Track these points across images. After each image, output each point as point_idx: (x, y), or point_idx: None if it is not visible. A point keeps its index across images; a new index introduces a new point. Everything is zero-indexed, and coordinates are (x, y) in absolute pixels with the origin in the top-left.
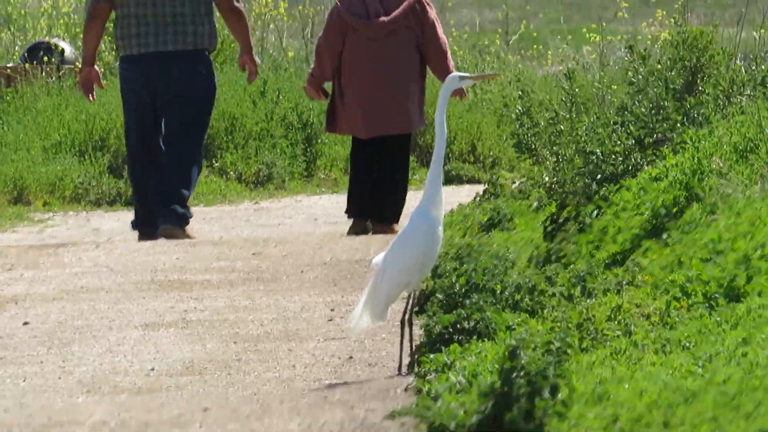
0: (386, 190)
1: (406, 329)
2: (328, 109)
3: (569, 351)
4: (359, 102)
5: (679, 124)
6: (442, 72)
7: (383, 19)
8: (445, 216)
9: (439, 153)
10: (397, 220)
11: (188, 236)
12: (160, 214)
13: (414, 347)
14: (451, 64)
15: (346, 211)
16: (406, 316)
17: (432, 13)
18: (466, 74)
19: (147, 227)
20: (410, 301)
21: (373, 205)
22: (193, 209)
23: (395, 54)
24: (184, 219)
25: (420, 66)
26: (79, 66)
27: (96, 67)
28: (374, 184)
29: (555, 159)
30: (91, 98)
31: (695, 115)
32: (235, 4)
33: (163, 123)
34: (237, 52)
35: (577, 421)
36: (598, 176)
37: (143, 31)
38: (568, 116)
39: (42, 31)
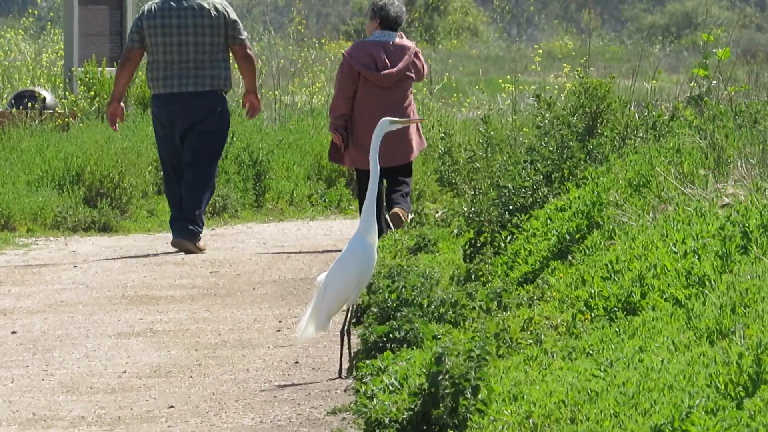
0: (396, 197)
1: (345, 338)
2: (332, 144)
3: (488, 357)
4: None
5: (582, 162)
6: None
7: (391, 70)
8: (378, 241)
9: (372, 186)
10: (409, 210)
11: (199, 249)
12: (173, 229)
13: (352, 354)
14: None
15: None
16: (345, 327)
17: (422, 59)
18: (396, 119)
19: (177, 226)
20: (349, 314)
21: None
22: (158, 235)
23: (399, 98)
24: (195, 234)
25: (414, 110)
26: (59, 111)
27: (122, 104)
28: (382, 203)
29: (473, 192)
30: (115, 128)
31: (596, 154)
32: (248, 51)
33: (187, 151)
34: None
35: (496, 417)
36: (510, 207)
37: (169, 74)
38: (484, 155)
39: (26, 81)
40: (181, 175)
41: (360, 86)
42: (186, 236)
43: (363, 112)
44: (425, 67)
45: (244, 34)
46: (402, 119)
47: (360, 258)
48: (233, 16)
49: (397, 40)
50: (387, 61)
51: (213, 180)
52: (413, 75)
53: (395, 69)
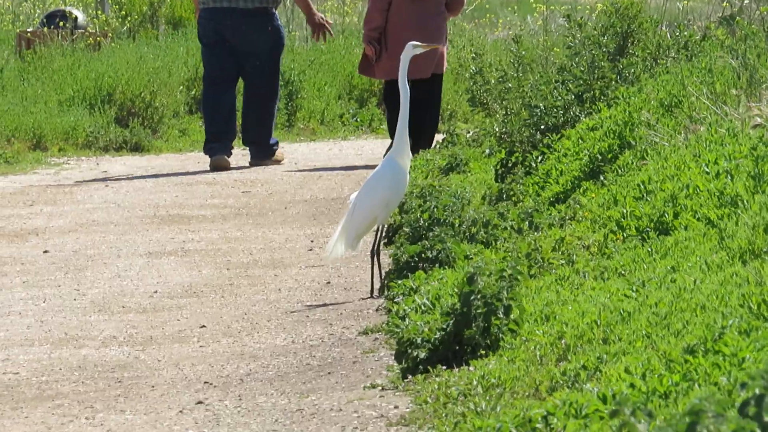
0: (421, 125)
1: (376, 258)
2: (364, 57)
3: (520, 277)
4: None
5: (613, 82)
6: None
7: None
8: (410, 161)
9: (404, 109)
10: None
11: (276, 161)
12: (250, 153)
13: (384, 274)
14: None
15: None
16: (376, 247)
17: None
18: (419, 44)
19: (214, 144)
20: (379, 234)
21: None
22: (189, 155)
23: (432, 11)
24: (268, 153)
25: (446, 19)
26: (90, 30)
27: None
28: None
29: (504, 112)
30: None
31: (626, 74)
32: None
33: (242, 72)
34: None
35: (528, 337)
36: (542, 127)
37: None
38: (515, 75)
39: (58, 0)
40: (220, 87)
41: (394, 1)
42: (262, 157)
43: (397, 23)
44: None
45: None
46: (424, 44)
47: (389, 180)
48: None
49: None
50: None
51: (276, 94)
52: None
53: None
